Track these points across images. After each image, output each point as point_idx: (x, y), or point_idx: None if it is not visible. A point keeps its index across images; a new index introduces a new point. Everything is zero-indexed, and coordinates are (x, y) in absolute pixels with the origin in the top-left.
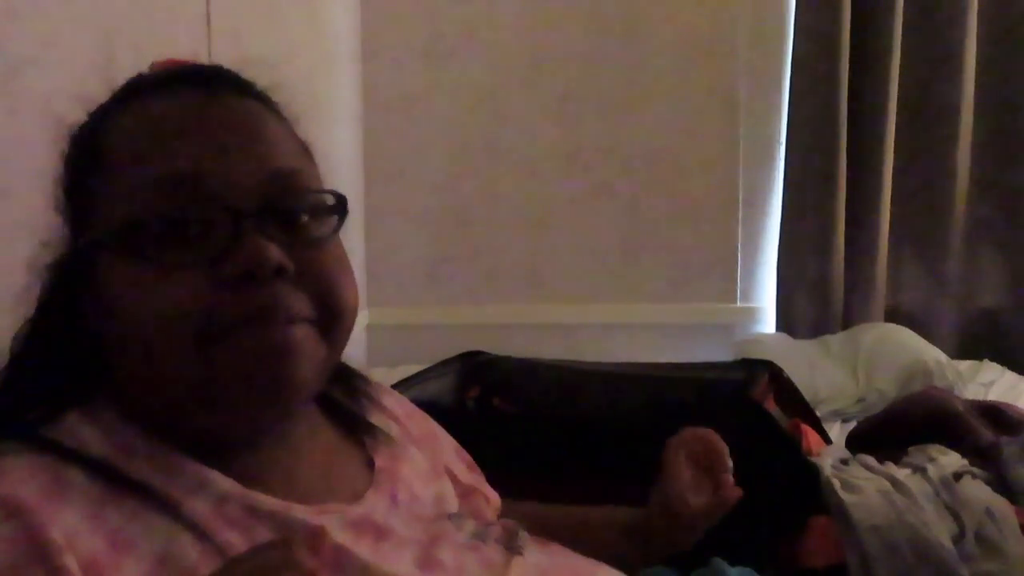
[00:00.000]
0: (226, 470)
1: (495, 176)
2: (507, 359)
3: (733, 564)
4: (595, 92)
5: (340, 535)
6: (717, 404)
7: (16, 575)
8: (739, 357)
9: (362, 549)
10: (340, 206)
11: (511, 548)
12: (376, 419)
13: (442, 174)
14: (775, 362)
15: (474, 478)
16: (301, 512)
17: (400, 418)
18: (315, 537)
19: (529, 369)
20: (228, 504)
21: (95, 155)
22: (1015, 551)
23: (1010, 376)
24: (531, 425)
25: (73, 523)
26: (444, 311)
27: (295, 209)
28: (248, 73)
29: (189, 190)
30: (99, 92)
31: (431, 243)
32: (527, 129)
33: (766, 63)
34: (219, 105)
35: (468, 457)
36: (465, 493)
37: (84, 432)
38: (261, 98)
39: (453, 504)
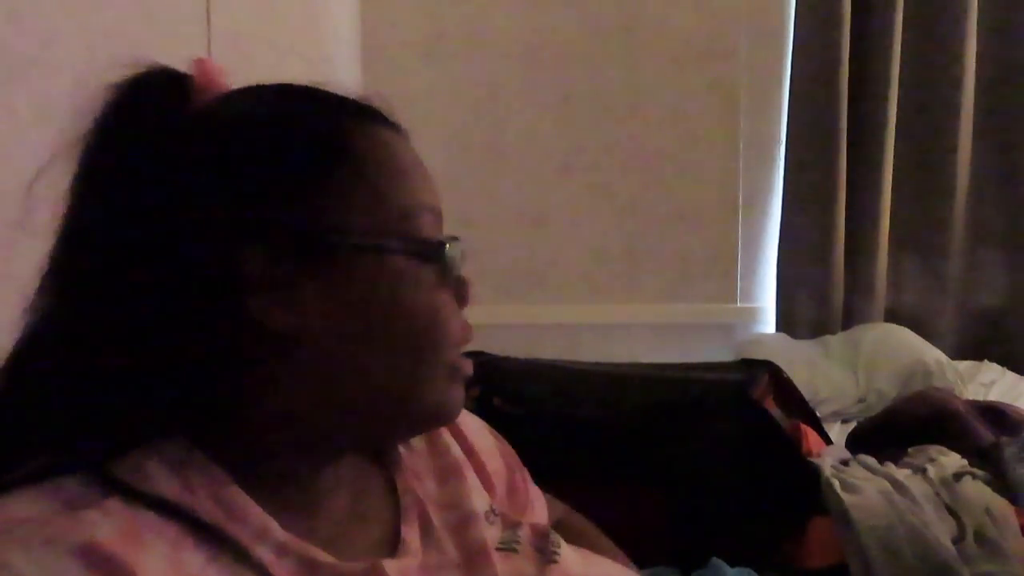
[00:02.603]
0: (277, 514)
1: (495, 176)
2: (507, 359)
3: (733, 564)
4: (595, 92)
5: None
6: (717, 404)
7: None
8: (739, 357)
9: None
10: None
11: (544, 554)
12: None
13: (442, 174)
14: (775, 362)
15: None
16: (352, 570)
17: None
18: None
19: (529, 369)
20: (287, 555)
21: (342, 153)
22: (1015, 551)
23: (1010, 376)
24: (531, 425)
25: (158, 567)
26: None
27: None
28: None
29: (436, 220)
30: (98, 92)
31: None
32: (527, 129)
33: (766, 63)
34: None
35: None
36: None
37: (150, 467)
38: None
39: (485, 498)
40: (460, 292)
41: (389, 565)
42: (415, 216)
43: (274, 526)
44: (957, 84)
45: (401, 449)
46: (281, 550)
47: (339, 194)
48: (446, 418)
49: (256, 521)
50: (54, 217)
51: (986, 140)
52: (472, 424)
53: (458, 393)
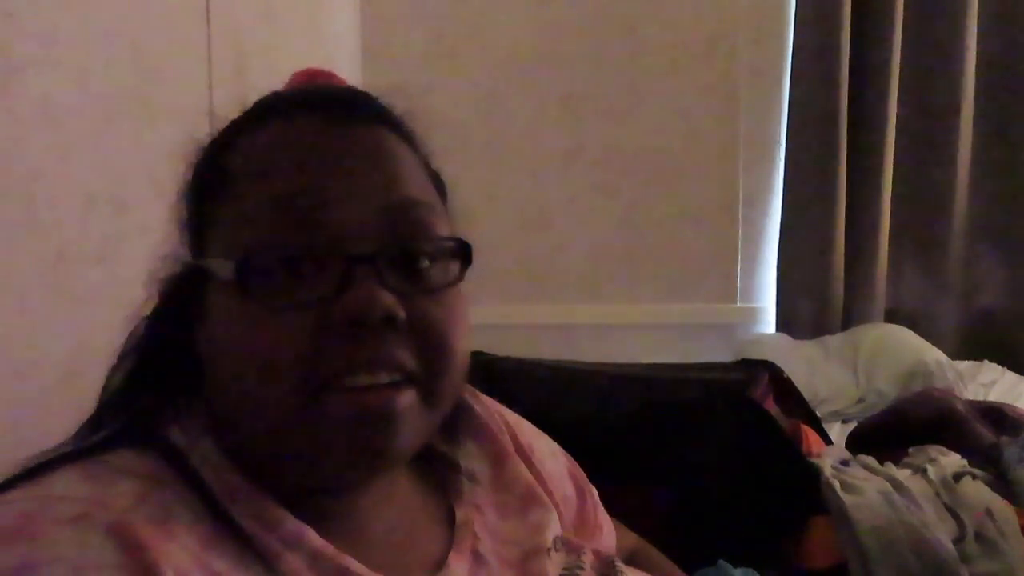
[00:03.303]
0: (314, 525)
1: (495, 176)
2: (507, 359)
3: (733, 564)
4: (595, 92)
5: None
6: (717, 404)
7: None
8: (739, 357)
9: None
10: (464, 252)
11: None
12: (472, 446)
13: (442, 174)
14: (775, 362)
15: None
16: None
17: (511, 430)
18: None
19: (529, 369)
20: (321, 564)
21: (222, 173)
22: (1015, 551)
23: (1010, 376)
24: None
25: (183, 563)
26: None
27: (416, 251)
28: (388, 99)
29: (304, 215)
30: (99, 92)
31: None
32: (527, 129)
33: (766, 63)
34: (348, 130)
35: (582, 485)
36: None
37: (194, 460)
38: (398, 126)
39: (556, 528)
40: (335, 309)
41: None
42: (250, 219)
43: (311, 534)
44: (957, 84)
45: (465, 481)
46: (314, 558)
47: (213, 222)
48: (315, 452)
49: (290, 528)
50: (57, 217)
51: (986, 140)
52: (544, 448)
53: (316, 417)
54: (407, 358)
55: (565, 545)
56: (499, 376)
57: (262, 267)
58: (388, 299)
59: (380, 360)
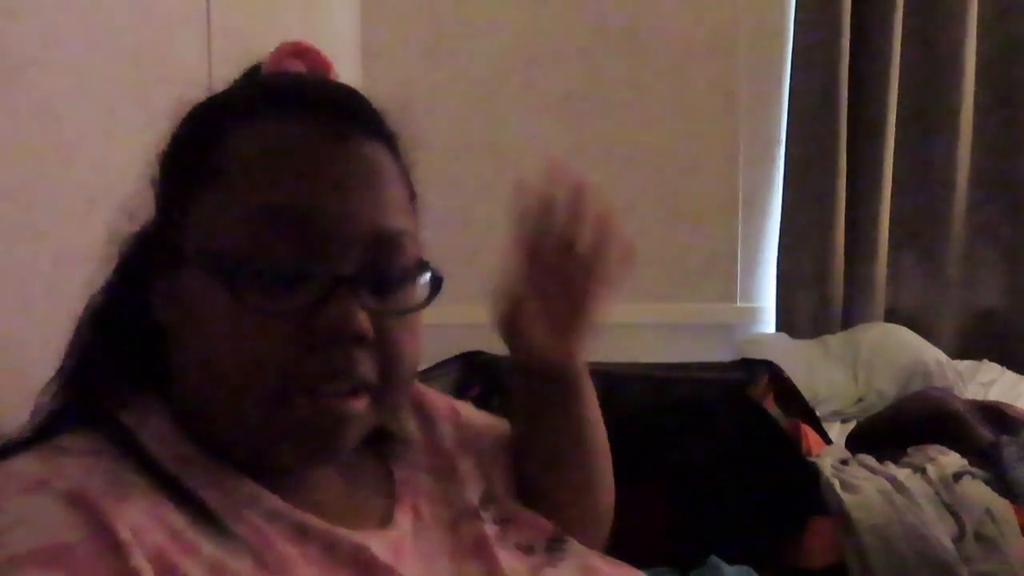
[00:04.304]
0: (271, 489)
1: (495, 176)
2: (507, 359)
3: (733, 564)
4: (595, 92)
5: (384, 555)
6: (716, 404)
7: (84, 565)
8: (739, 357)
9: (405, 569)
10: (436, 283)
11: (553, 552)
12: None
13: (442, 174)
14: (775, 362)
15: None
16: (345, 533)
17: (443, 417)
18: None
19: None
20: (280, 520)
21: (211, 164)
22: (1015, 551)
23: (1010, 376)
24: None
25: (137, 519)
26: (443, 311)
27: (391, 277)
28: (382, 100)
29: (299, 230)
30: (99, 92)
31: (431, 242)
32: (527, 129)
33: (766, 63)
34: (345, 146)
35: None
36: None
37: (142, 437)
38: (389, 139)
39: (478, 485)
40: (315, 320)
41: (380, 535)
42: (244, 222)
43: (265, 495)
44: (957, 83)
45: (400, 443)
46: (272, 516)
47: (195, 205)
48: (276, 445)
49: (246, 490)
50: (57, 217)
51: (986, 140)
52: (472, 410)
53: (312, 429)
54: (368, 371)
55: (494, 504)
56: (499, 376)
57: (253, 272)
58: (363, 319)
59: (347, 372)
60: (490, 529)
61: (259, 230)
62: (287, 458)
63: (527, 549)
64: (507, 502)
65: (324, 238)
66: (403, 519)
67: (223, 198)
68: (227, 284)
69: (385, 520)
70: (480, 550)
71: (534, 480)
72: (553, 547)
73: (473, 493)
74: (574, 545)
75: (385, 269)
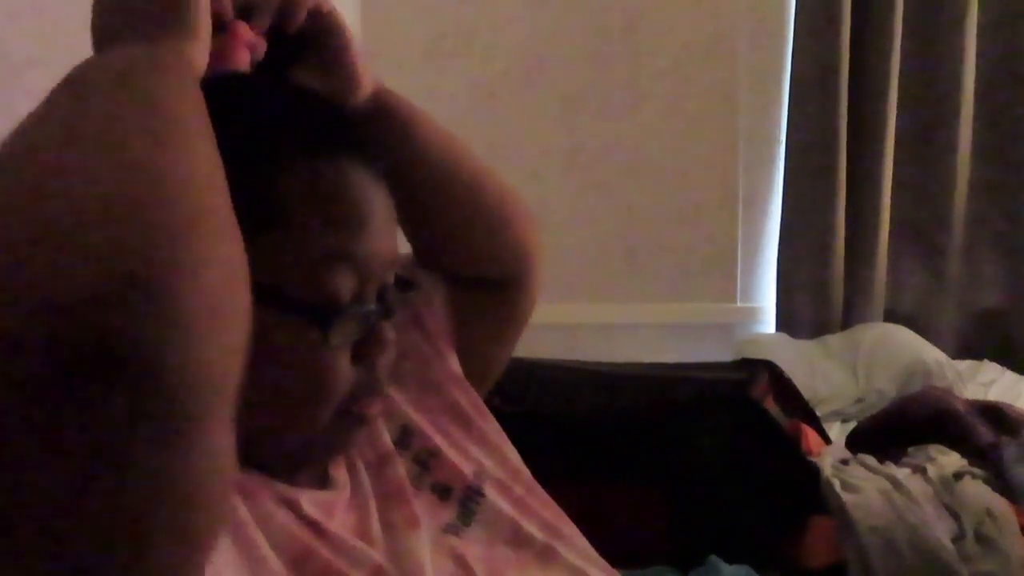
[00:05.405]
0: None
1: None
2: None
3: (733, 564)
4: (595, 92)
5: (313, 512)
6: (716, 404)
7: None
8: (739, 357)
9: (334, 525)
10: (406, 285)
11: (467, 504)
12: None
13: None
14: (775, 362)
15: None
16: (283, 488)
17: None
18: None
19: (529, 369)
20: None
21: (271, 204)
22: (1015, 551)
23: (1010, 376)
24: (531, 425)
25: None
26: None
27: (394, 296)
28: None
29: (358, 269)
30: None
31: None
32: (527, 129)
33: (766, 63)
34: (376, 186)
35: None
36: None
37: None
38: (374, 164)
39: (398, 418)
40: (362, 349)
41: (310, 494)
42: (319, 267)
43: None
44: (957, 84)
45: None
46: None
47: (262, 245)
48: (316, 451)
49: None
50: None
51: (986, 140)
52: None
53: (344, 437)
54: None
55: (414, 437)
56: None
57: (330, 313)
58: (394, 343)
59: (382, 388)
60: (409, 468)
61: (324, 273)
62: (319, 458)
63: (443, 492)
64: (426, 438)
65: (370, 277)
66: (338, 475)
67: (281, 239)
68: (320, 325)
69: (323, 481)
70: (400, 493)
71: (427, 211)
72: (468, 499)
73: (390, 431)
74: (487, 504)
75: (392, 293)
